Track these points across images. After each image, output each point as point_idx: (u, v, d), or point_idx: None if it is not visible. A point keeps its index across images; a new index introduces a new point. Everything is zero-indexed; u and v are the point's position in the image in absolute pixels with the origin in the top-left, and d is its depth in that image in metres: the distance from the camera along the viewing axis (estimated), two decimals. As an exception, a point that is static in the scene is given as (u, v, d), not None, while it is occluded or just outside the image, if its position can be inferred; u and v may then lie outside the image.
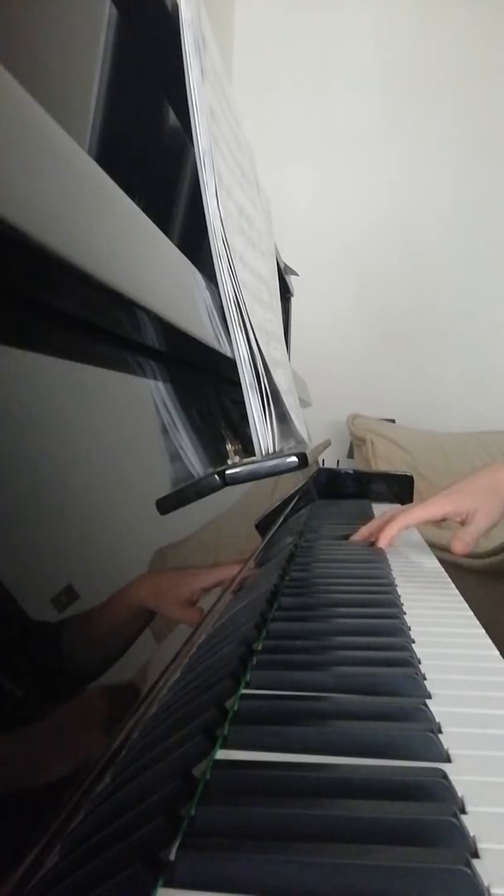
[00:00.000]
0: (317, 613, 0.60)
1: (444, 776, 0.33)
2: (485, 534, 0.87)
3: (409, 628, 0.57)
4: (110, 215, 0.28)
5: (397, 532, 0.86)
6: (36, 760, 0.19)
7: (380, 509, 1.24)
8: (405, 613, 0.62)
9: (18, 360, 0.25)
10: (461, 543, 0.85)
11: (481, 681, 0.48)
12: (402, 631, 0.56)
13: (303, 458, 0.39)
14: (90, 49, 0.47)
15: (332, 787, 0.32)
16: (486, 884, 0.26)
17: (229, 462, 0.51)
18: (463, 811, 0.32)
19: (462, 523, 0.86)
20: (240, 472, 0.38)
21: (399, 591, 0.70)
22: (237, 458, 0.53)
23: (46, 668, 0.21)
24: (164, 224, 0.60)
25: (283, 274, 1.24)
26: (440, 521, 0.88)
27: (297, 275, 1.43)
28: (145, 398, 0.39)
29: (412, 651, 0.51)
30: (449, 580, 0.78)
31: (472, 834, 0.29)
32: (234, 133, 0.62)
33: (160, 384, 0.42)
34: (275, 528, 0.67)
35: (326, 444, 1.52)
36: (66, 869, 0.22)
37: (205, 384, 0.55)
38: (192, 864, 0.27)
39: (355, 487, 1.37)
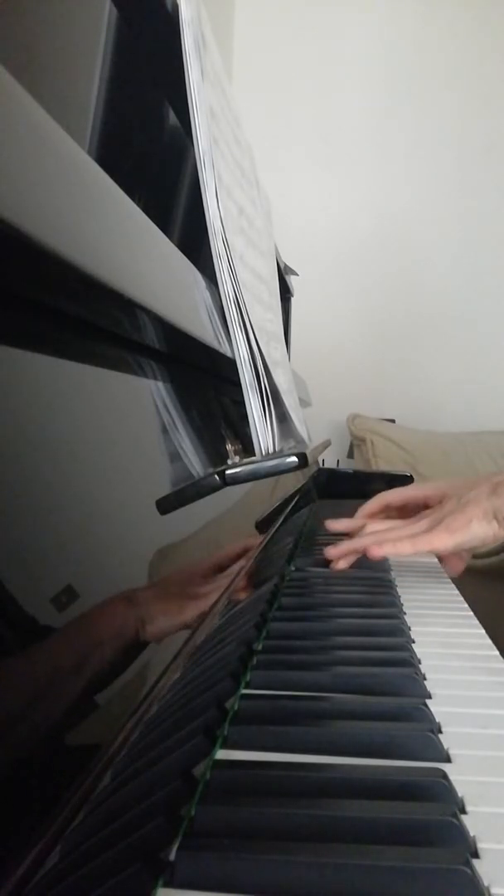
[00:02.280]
0: (317, 613, 0.60)
1: (444, 776, 0.33)
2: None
3: (409, 628, 0.57)
4: (110, 215, 0.28)
5: (377, 509, 0.85)
6: (36, 760, 0.19)
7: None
8: (405, 613, 0.62)
9: (18, 360, 0.25)
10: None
11: (481, 681, 0.48)
12: (402, 631, 0.56)
13: (303, 458, 0.39)
14: (90, 49, 0.47)
15: (332, 787, 0.32)
16: (486, 884, 0.26)
17: (229, 462, 0.51)
18: (463, 811, 0.32)
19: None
20: (240, 472, 0.38)
21: (399, 591, 0.70)
22: (237, 458, 0.53)
23: (46, 668, 0.21)
24: (164, 224, 0.60)
25: (283, 274, 1.24)
26: (423, 502, 0.87)
27: (297, 275, 1.43)
28: (145, 398, 0.39)
29: (412, 651, 0.51)
30: (449, 580, 0.78)
31: (472, 834, 0.29)
32: (234, 133, 0.62)
33: (160, 384, 0.42)
34: (275, 527, 0.67)
35: (326, 444, 1.52)
36: (66, 869, 0.22)
37: (205, 384, 0.55)
38: (192, 864, 0.27)
39: (355, 487, 1.37)
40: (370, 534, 0.74)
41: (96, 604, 0.25)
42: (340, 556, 0.73)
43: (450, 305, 2.57)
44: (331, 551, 0.74)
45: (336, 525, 0.83)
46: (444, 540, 0.68)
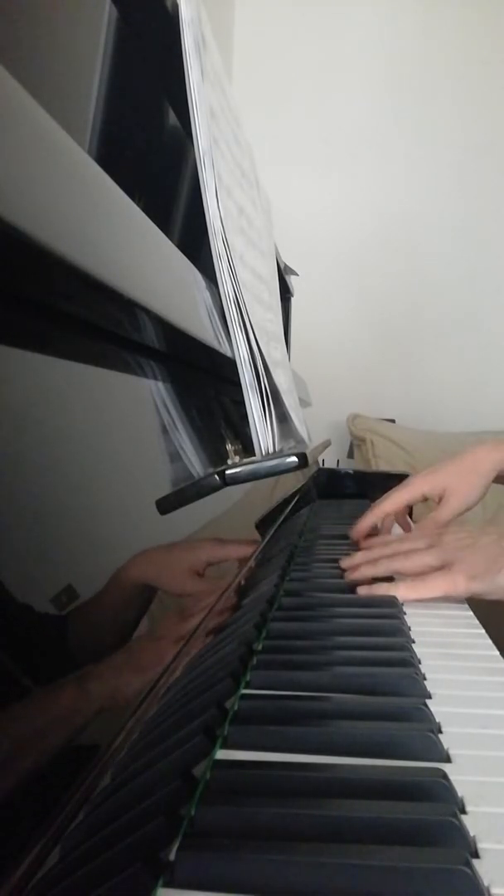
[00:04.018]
0: (317, 613, 0.60)
1: (444, 776, 0.33)
2: (462, 513, 0.82)
3: (409, 628, 0.57)
4: (110, 215, 0.28)
5: (376, 521, 0.83)
6: (36, 760, 0.19)
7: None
8: (405, 613, 0.62)
9: (18, 360, 0.25)
10: (432, 523, 0.81)
11: (481, 681, 0.48)
12: (402, 631, 0.56)
13: (303, 458, 0.39)
14: (90, 49, 0.47)
15: (332, 787, 0.32)
16: (486, 884, 0.26)
17: (229, 462, 0.51)
18: (463, 811, 0.32)
19: (438, 502, 0.83)
20: (240, 472, 0.38)
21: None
22: (237, 458, 0.53)
23: (46, 668, 0.21)
24: (164, 224, 0.60)
25: (283, 274, 1.24)
26: (423, 501, 0.85)
27: (297, 275, 1.43)
28: (145, 398, 0.39)
29: (412, 651, 0.51)
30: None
31: (472, 834, 0.29)
32: (234, 133, 0.62)
33: (160, 384, 0.42)
34: (275, 527, 0.67)
35: (326, 444, 1.52)
36: (66, 869, 0.22)
37: (205, 384, 0.55)
38: (192, 864, 0.27)
39: (355, 487, 1.37)
40: (370, 561, 0.70)
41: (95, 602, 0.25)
42: (356, 577, 0.69)
43: (450, 305, 2.57)
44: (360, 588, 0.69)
45: (351, 566, 0.74)
46: (459, 585, 0.63)
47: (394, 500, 0.84)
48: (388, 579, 0.69)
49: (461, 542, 0.68)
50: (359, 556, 0.72)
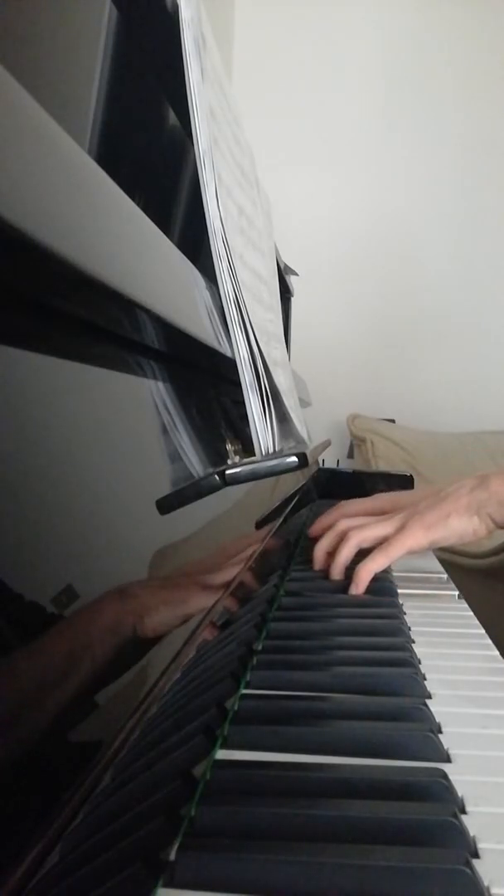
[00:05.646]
0: (317, 613, 0.60)
1: (444, 776, 0.33)
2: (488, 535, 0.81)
3: (409, 628, 0.57)
4: (110, 215, 0.28)
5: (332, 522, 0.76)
6: (36, 760, 0.19)
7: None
8: (405, 613, 0.62)
9: (18, 360, 0.25)
10: None
11: (481, 681, 0.48)
12: (402, 631, 0.56)
13: (303, 458, 0.39)
14: (90, 49, 0.47)
15: (332, 787, 0.32)
16: (486, 884, 0.26)
17: (229, 462, 0.51)
18: (463, 811, 0.32)
19: None
20: (240, 472, 0.38)
21: (398, 590, 0.70)
22: (237, 458, 0.53)
23: (46, 667, 0.21)
24: (164, 224, 0.60)
25: (283, 274, 1.24)
26: None
27: (297, 275, 1.43)
28: (145, 398, 0.39)
29: (412, 651, 0.51)
30: (449, 580, 0.78)
31: (472, 834, 0.29)
32: (234, 133, 0.62)
33: (160, 384, 0.42)
34: (275, 527, 0.67)
35: (326, 444, 1.52)
36: (66, 869, 0.22)
37: (205, 384, 0.55)
38: (192, 864, 0.27)
39: (355, 487, 1.37)
40: (343, 545, 0.70)
41: (90, 601, 0.25)
42: (340, 574, 0.70)
43: (450, 305, 2.57)
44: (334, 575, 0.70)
45: (319, 556, 0.73)
46: (419, 538, 0.66)
47: (355, 509, 0.82)
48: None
49: (404, 512, 0.70)
50: (317, 553, 0.72)
